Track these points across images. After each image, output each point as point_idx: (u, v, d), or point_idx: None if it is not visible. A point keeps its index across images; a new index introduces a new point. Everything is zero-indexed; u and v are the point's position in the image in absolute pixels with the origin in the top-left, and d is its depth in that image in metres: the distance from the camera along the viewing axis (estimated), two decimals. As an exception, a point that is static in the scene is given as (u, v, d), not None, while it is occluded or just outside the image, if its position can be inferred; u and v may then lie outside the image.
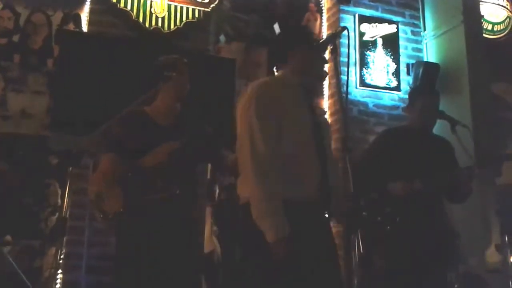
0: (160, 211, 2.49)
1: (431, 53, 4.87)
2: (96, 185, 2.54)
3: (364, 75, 4.55)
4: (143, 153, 2.55)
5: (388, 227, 2.96)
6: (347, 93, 3.13)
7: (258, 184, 1.99)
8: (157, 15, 4.02)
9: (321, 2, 4.90)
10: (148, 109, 2.73)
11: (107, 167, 2.54)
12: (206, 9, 4.14)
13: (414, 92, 3.51)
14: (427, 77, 4.55)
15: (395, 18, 4.81)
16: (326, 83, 4.61)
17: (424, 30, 4.94)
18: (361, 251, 1.74)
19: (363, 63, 4.57)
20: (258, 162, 2.02)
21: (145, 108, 2.74)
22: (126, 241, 2.56)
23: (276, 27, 4.56)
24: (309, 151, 2.14)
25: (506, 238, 3.88)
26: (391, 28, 4.74)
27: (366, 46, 4.62)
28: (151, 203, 2.50)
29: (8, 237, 4.11)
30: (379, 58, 4.63)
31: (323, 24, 4.80)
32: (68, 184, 3.78)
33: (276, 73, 2.34)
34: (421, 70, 4.57)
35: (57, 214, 4.63)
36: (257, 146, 2.04)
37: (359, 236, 1.77)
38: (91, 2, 4.05)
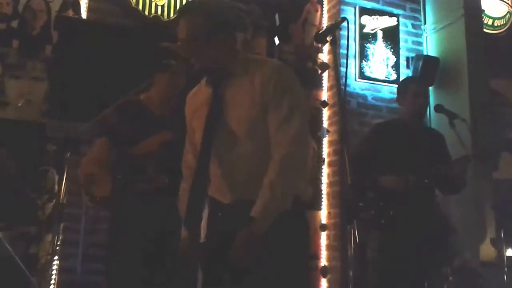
0: (151, 200, 2.49)
1: (431, 47, 4.86)
2: (86, 168, 2.54)
3: (364, 67, 4.54)
4: (137, 141, 2.54)
5: (382, 221, 2.96)
6: (345, 85, 3.12)
7: None
8: (157, 3, 4.00)
9: (322, -6, 4.88)
10: (143, 98, 2.71)
11: (99, 151, 2.55)
12: (206, -2, 4.12)
13: (404, 81, 3.48)
14: (427, 71, 4.54)
15: (395, 11, 4.80)
16: (325, 75, 4.61)
17: (425, 23, 4.93)
18: (357, 242, 1.74)
19: (363, 55, 4.56)
20: None
21: (141, 97, 2.72)
22: (117, 230, 2.57)
23: (277, 18, 4.54)
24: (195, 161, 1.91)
25: (502, 232, 3.89)
26: (392, 21, 4.73)
27: (366, 38, 4.61)
28: (141, 191, 2.50)
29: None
30: (379, 51, 4.62)
31: (323, 15, 4.78)
32: (65, 171, 3.77)
33: None
34: (420, 64, 4.57)
35: (54, 201, 4.62)
36: None
37: (355, 227, 1.78)
38: (90, -12, 4.03)
